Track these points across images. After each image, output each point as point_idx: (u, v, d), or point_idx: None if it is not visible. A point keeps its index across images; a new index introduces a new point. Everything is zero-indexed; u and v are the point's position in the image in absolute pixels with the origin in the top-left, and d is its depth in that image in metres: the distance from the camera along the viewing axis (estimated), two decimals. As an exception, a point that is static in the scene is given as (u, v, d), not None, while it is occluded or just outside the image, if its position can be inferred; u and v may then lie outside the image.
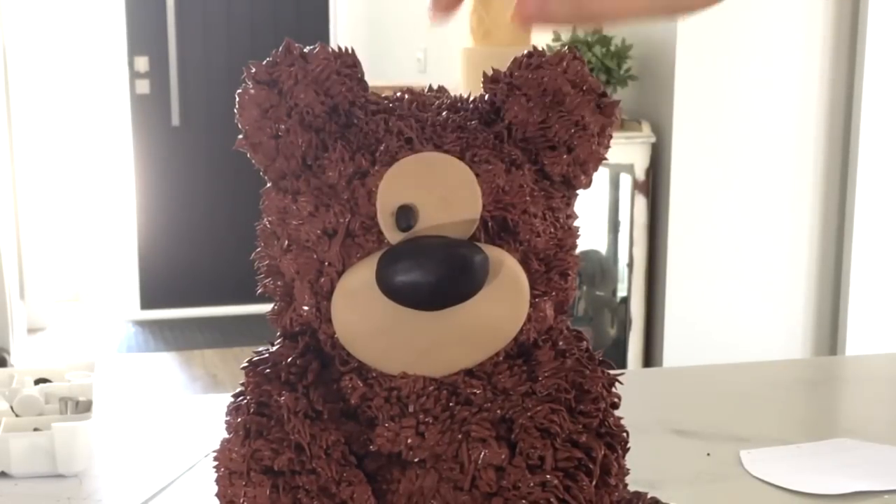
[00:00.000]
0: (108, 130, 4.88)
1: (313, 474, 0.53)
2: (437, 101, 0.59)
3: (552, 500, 0.53)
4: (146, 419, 1.00)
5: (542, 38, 2.89)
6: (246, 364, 0.58)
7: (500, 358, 0.56)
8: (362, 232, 0.53)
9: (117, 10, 4.70)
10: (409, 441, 0.54)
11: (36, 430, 0.87)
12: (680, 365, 2.62)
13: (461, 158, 0.54)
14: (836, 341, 2.77)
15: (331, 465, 0.53)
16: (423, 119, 0.56)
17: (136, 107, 4.80)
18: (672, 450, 0.91)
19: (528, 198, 0.55)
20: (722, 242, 2.70)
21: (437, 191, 0.53)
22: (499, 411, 0.55)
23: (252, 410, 0.55)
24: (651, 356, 2.79)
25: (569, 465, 0.54)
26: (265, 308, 0.60)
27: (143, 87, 4.80)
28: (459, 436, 0.54)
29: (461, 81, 2.97)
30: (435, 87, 0.61)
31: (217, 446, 0.56)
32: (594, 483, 0.54)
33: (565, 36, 2.76)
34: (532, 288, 0.55)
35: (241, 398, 0.56)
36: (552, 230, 0.56)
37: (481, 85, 0.60)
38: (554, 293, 0.57)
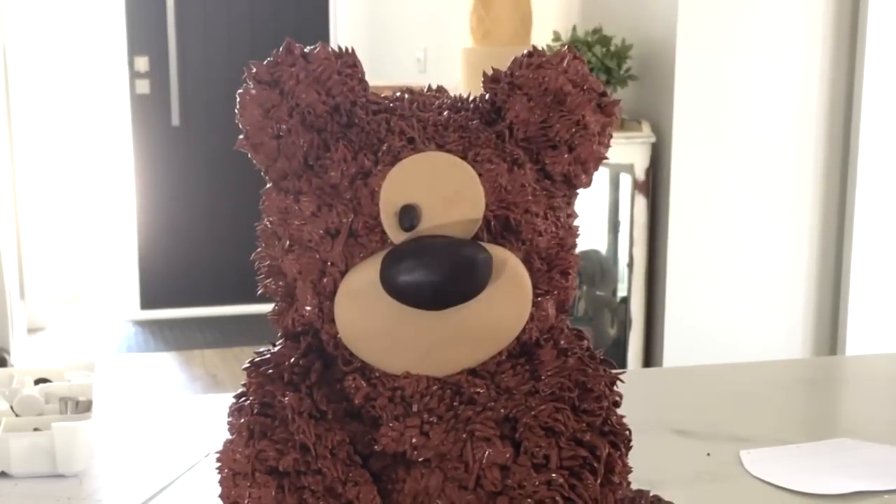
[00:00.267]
0: (108, 130, 4.88)
1: (319, 474, 0.53)
2: (438, 101, 0.59)
3: (557, 498, 0.53)
4: (146, 419, 1.00)
5: (542, 39, 2.89)
6: (248, 365, 0.58)
7: (503, 357, 0.56)
8: (365, 232, 0.53)
9: (117, 10, 4.70)
10: (414, 441, 0.54)
11: (36, 430, 0.87)
12: (680, 365, 2.62)
13: (463, 158, 0.54)
14: (836, 341, 2.77)
15: (336, 465, 0.53)
16: (425, 119, 0.56)
17: (136, 107, 4.80)
18: (672, 450, 0.91)
19: (530, 197, 0.55)
20: (722, 242, 2.70)
21: (441, 190, 0.53)
22: (502, 410, 0.55)
23: (255, 411, 0.55)
24: (651, 356, 2.79)
25: (574, 464, 0.54)
26: (265, 308, 0.60)
27: (143, 87, 4.80)
28: (464, 435, 0.54)
29: (461, 81, 2.97)
30: (434, 87, 0.61)
31: (218, 447, 0.56)
32: (599, 481, 0.54)
33: (565, 36, 2.76)
34: (534, 287, 0.55)
35: (243, 399, 0.56)
36: (553, 229, 0.56)
37: (481, 85, 0.60)
38: (555, 292, 0.57)
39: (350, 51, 0.57)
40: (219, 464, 0.56)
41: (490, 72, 0.59)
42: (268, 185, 0.58)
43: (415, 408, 0.54)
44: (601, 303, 2.88)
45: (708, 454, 0.90)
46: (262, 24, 4.86)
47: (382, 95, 0.60)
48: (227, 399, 0.58)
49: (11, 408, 0.91)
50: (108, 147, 4.90)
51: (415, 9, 4.31)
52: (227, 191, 4.87)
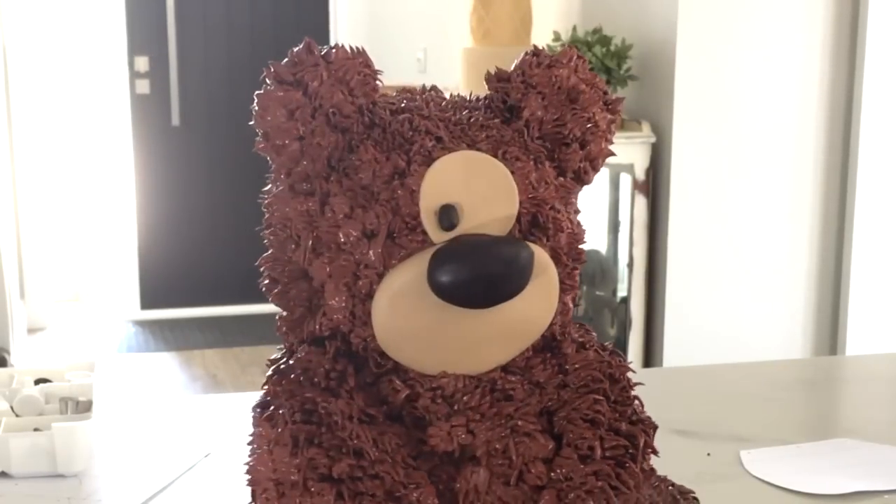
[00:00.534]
0: (108, 130, 4.88)
1: (377, 479, 0.52)
2: (445, 101, 0.59)
3: (606, 487, 0.54)
4: (146, 419, 1.00)
5: (542, 39, 2.89)
6: (271, 373, 0.57)
7: (530, 352, 0.57)
8: (405, 232, 0.53)
9: (117, 10, 4.70)
10: (462, 438, 0.54)
11: (36, 430, 0.87)
12: (680, 365, 2.62)
13: (494, 156, 0.54)
14: (836, 341, 2.77)
15: (396, 468, 0.53)
16: (446, 118, 0.56)
17: (136, 107, 4.80)
18: (672, 450, 0.91)
19: (554, 193, 0.56)
20: (722, 242, 2.70)
21: (478, 189, 0.53)
22: (537, 405, 0.56)
23: (297, 419, 0.54)
24: (651, 356, 2.79)
25: (616, 453, 0.55)
26: (265, 308, 0.60)
27: (143, 87, 4.80)
28: (507, 431, 0.54)
29: (461, 81, 2.97)
30: (428, 87, 0.61)
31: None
32: (639, 468, 0.55)
33: (565, 36, 2.76)
34: (560, 282, 0.56)
35: (273, 408, 0.55)
36: (570, 225, 0.57)
37: (483, 84, 0.60)
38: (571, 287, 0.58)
39: (362, 51, 0.57)
40: (250, 476, 0.54)
41: (492, 71, 0.60)
42: (277, 189, 0.57)
43: (457, 406, 0.54)
44: (601, 303, 2.88)
45: (708, 454, 0.90)
46: (262, 24, 4.86)
47: (386, 95, 0.59)
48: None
49: (11, 408, 0.91)
50: (108, 147, 4.90)
51: (415, 9, 4.31)
52: (227, 191, 4.87)
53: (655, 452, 0.57)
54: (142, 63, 4.78)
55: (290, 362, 0.57)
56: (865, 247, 2.68)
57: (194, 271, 4.98)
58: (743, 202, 2.68)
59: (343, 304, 0.54)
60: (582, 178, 0.59)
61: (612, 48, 2.64)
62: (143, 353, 4.45)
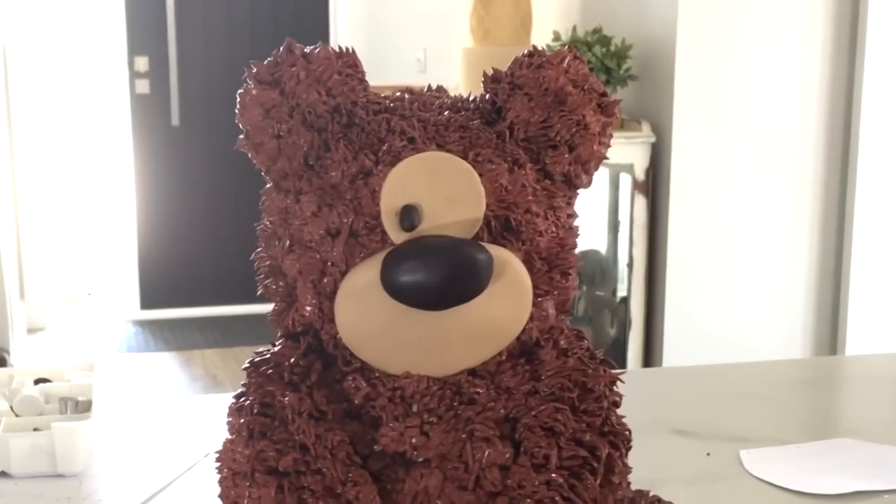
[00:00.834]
0: (108, 130, 4.88)
1: (318, 475, 0.53)
2: (438, 101, 0.59)
3: (557, 498, 0.53)
4: (146, 419, 1.00)
5: (542, 39, 2.89)
6: (247, 365, 0.58)
7: (503, 357, 0.56)
8: (366, 232, 0.53)
9: (117, 10, 4.70)
10: (414, 441, 0.54)
11: (36, 430, 0.87)
12: (680, 365, 2.62)
13: (464, 158, 0.54)
14: (836, 341, 2.77)
15: (336, 465, 0.53)
16: (426, 119, 0.56)
17: (136, 107, 4.80)
18: (672, 450, 0.91)
19: (530, 197, 0.55)
20: (722, 242, 2.70)
21: (441, 190, 0.53)
22: (502, 410, 0.55)
23: (255, 411, 0.54)
24: (651, 356, 2.79)
25: (574, 464, 0.54)
26: (265, 308, 0.60)
27: (143, 87, 4.80)
28: (464, 435, 0.54)
29: (461, 81, 2.97)
30: (434, 87, 0.61)
31: (218, 447, 0.56)
32: (598, 481, 0.54)
33: (565, 36, 2.76)
34: (535, 287, 0.55)
35: (243, 399, 0.56)
36: (554, 230, 0.56)
37: (481, 85, 0.60)
38: (556, 292, 0.57)
39: (350, 51, 0.57)
40: (218, 464, 0.55)
41: (490, 72, 0.59)
42: (268, 185, 0.58)
43: (415, 408, 0.54)
44: (601, 303, 2.88)
45: (708, 454, 0.90)
46: (262, 24, 4.86)
47: (383, 95, 0.59)
48: (227, 399, 0.57)
49: (11, 408, 0.91)
50: (108, 147, 4.90)
51: (415, 9, 4.31)
52: (227, 191, 4.87)
53: (626, 466, 0.56)
54: (142, 63, 4.78)
55: (267, 356, 0.57)
56: (865, 247, 2.68)
57: (194, 271, 4.98)
58: (743, 202, 2.68)
59: (313, 302, 0.55)
60: (573, 182, 0.58)
61: (612, 48, 2.64)
62: (143, 353, 4.45)
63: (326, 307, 0.54)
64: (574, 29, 2.76)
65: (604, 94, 0.59)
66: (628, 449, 0.56)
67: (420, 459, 0.54)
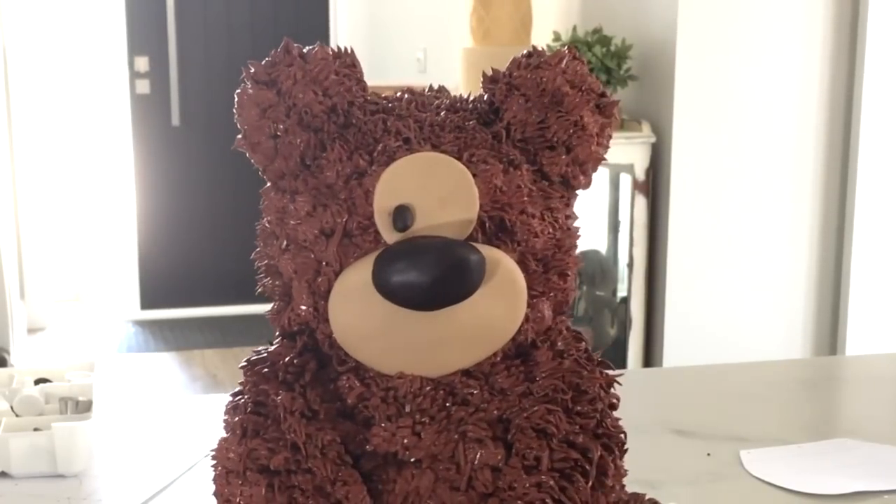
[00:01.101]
0: (108, 130, 4.88)
1: (309, 474, 0.53)
2: (437, 102, 0.59)
3: (548, 500, 0.53)
4: (146, 419, 1.00)
5: (542, 39, 2.89)
6: (244, 363, 0.58)
7: (498, 358, 0.56)
8: (360, 232, 0.53)
9: (117, 10, 4.70)
10: (406, 441, 0.54)
11: (36, 430, 0.87)
12: (680, 365, 2.62)
13: (458, 158, 0.54)
14: (836, 341, 2.77)
15: (326, 464, 0.53)
16: (422, 119, 0.56)
17: (136, 107, 4.80)
18: (672, 450, 0.91)
19: (525, 198, 0.55)
20: (722, 242, 2.70)
21: (435, 191, 0.53)
22: (496, 412, 0.55)
23: (249, 409, 0.55)
24: (651, 356, 2.79)
25: (565, 466, 0.54)
26: (265, 308, 0.60)
27: (143, 87, 4.80)
28: (456, 436, 0.54)
29: (461, 81, 2.97)
30: (435, 87, 0.61)
31: (215, 446, 0.56)
32: (590, 484, 0.54)
33: (565, 36, 2.76)
34: (530, 288, 0.55)
35: (238, 397, 0.56)
36: (550, 231, 0.56)
37: (481, 85, 0.60)
38: (552, 294, 0.57)
39: (349, 51, 0.57)
40: (213, 462, 0.56)
41: (490, 72, 0.59)
42: (267, 185, 0.58)
43: (407, 408, 0.54)
44: (601, 303, 2.88)
45: (708, 454, 0.90)
46: (262, 24, 4.87)
47: (383, 95, 0.59)
48: (227, 399, 0.58)
49: (11, 408, 0.91)
50: (108, 147, 4.90)
51: (415, 9, 4.31)
52: (227, 191, 4.87)
53: (619, 469, 0.56)
54: (142, 63, 4.78)
55: (263, 354, 0.58)
56: (865, 247, 2.68)
57: (194, 271, 4.98)
58: (743, 202, 2.68)
59: (308, 301, 0.55)
60: (570, 183, 0.58)
61: (612, 48, 2.64)
62: (143, 353, 4.45)
63: (321, 307, 0.54)
64: (574, 29, 2.76)
65: (602, 95, 0.59)
66: (623, 452, 0.56)
67: (412, 460, 0.54)
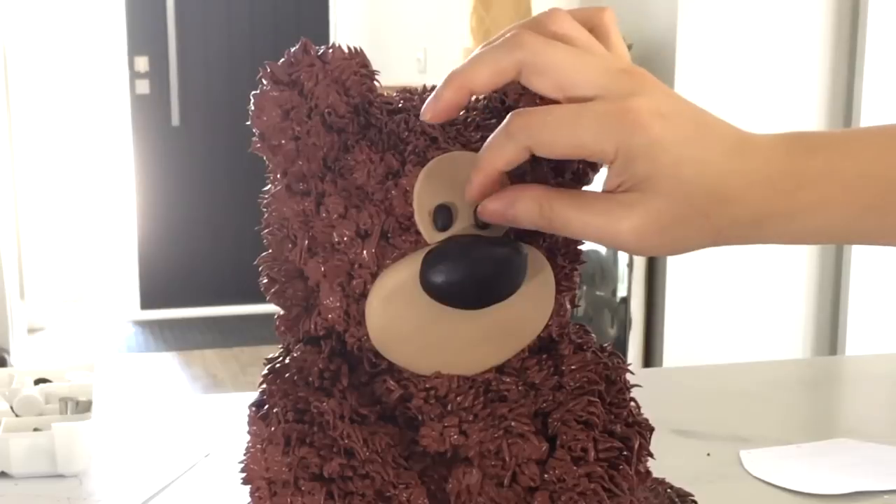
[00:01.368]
0: (108, 130, 4.88)
1: (367, 479, 0.52)
2: None
3: (599, 489, 0.53)
4: (146, 419, 1.00)
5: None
6: (266, 372, 0.57)
7: (526, 354, 0.57)
8: (399, 232, 0.53)
9: (117, 10, 4.70)
10: (454, 439, 0.54)
11: (36, 430, 0.87)
12: (680, 365, 2.62)
13: None
14: (836, 341, 2.77)
15: (386, 468, 0.53)
16: None
17: (136, 107, 4.81)
18: (672, 450, 0.91)
19: None
20: (722, 244, 2.70)
21: None
22: (532, 406, 0.56)
23: (290, 418, 0.54)
24: (651, 356, 2.79)
25: (610, 455, 0.55)
26: (265, 308, 0.60)
27: (143, 87, 4.80)
28: (500, 432, 0.54)
29: (461, 81, 2.97)
30: (429, 87, 0.61)
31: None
32: (633, 470, 0.55)
33: (565, 36, 2.76)
34: (556, 283, 0.56)
35: (268, 407, 0.55)
36: None
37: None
38: (570, 288, 0.58)
39: (360, 51, 0.57)
40: (245, 474, 0.54)
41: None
42: (275, 188, 0.57)
43: (450, 407, 0.54)
44: (601, 303, 2.88)
45: (708, 454, 0.90)
46: (262, 24, 4.87)
47: (388, 95, 0.59)
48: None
49: (11, 408, 0.91)
50: (108, 147, 4.90)
51: (415, 9, 4.31)
52: (227, 191, 4.87)
53: (651, 455, 0.57)
54: (142, 63, 4.78)
55: (286, 361, 0.57)
56: (865, 247, 2.68)
57: (194, 271, 4.98)
58: (743, 202, 2.68)
59: (337, 304, 0.54)
60: (581, 179, 0.59)
61: (612, 48, 2.64)
62: (143, 353, 4.45)
63: (353, 309, 0.54)
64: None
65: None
66: (650, 438, 0.57)
67: (462, 458, 0.55)
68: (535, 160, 0.55)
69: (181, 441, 0.92)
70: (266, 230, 0.57)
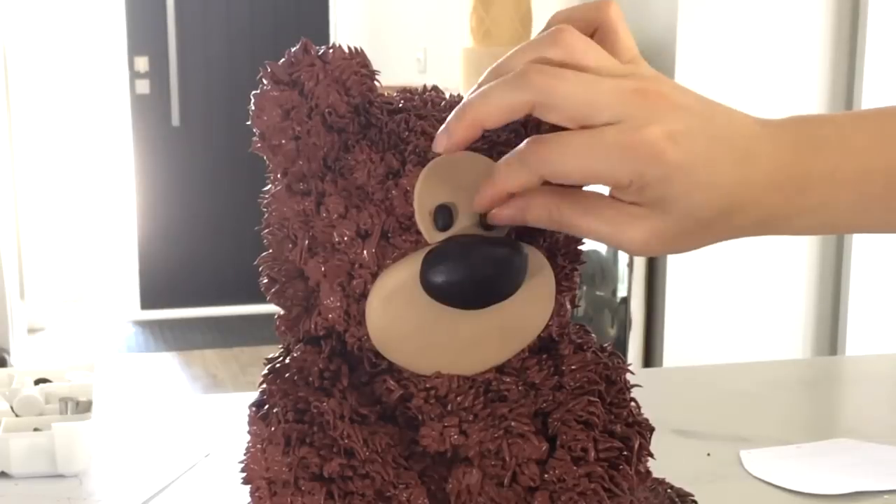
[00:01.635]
0: (108, 130, 4.88)
1: (367, 478, 0.52)
2: (444, 102, 0.59)
3: (599, 489, 0.54)
4: (146, 419, 1.00)
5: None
6: (266, 372, 0.57)
7: (526, 354, 0.57)
8: (399, 232, 0.53)
9: (117, 10, 4.70)
10: (454, 439, 0.54)
11: (36, 430, 0.87)
12: (680, 365, 2.62)
13: (489, 157, 0.55)
14: (836, 341, 2.77)
15: (387, 468, 0.53)
16: (443, 118, 0.56)
17: (136, 107, 4.81)
18: (672, 450, 0.91)
19: None
20: (722, 242, 2.70)
21: (472, 189, 0.53)
22: (532, 406, 0.56)
23: (290, 418, 0.54)
24: (651, 356, 2.79)
25: (611, 455, 0.55)
26: (265, 308, 0.60)
27: (143, 87, 4.80)
28: (500, 432, 0.54)
29: (461, 81, 2.97)
30: (429, 87, 0.61)
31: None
32: (633, 470, 0.55)
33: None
34: (556, 283, 0.56)
35: (268, 407, 0.55)
36: None
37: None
38: (570, 288, 0.58)
39: (360, 51, 0.57)
40: (245, 474, 0.54)
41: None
42: (275, 188, 0.57)
43: (450, 407, 0.54)
44: (601, 303, 2.88)
45: (708, 454, 0.90)
46: (262, 24, 4.87)
47: (387, 95, 0.59)
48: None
49: (11, 408, 0.91)
50: (109, 147, 4.90)
51: (415, 9, 4.31)
52: (227, 191, 4.87)
53: (651, 455, 0.57)
54: (142, 63, 4.78)
55: (286, 361, 0.57)
56: (865, 247, 2.68)
57: (194, 271, 4.98)
58: (743, 202, 2.68)
59: (337, 304, 0.54)
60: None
61: (612, 48, 2.64)
62: (143, 353, 4.45)
63: (354, 309, 0.54)
64: (574, 29, 2.76)
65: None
66: (650, 438, 0.57)
67: (462, 457, 0.55)
68: None
69: (181, 441, 0.92)
70: (266, 230, 0.57)
